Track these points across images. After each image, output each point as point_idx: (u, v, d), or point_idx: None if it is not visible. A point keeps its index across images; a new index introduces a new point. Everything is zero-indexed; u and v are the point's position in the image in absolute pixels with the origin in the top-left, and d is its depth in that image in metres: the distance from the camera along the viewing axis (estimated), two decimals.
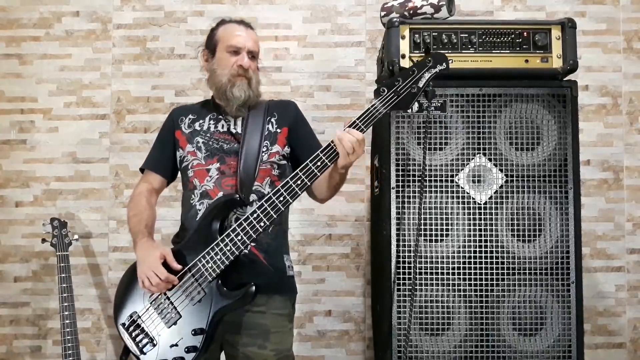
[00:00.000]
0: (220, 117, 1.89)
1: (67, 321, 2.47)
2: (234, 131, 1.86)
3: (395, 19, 1.95)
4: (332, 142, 1.62)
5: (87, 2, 2.86)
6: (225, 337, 1.79)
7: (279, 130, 1.88)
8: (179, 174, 1.95)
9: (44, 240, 2.57)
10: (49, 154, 2.82)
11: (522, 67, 1.94)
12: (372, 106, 1.63)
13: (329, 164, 1.63)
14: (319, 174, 1.64)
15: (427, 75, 1.62)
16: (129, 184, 2.80)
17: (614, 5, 2.81)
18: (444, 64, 1.63)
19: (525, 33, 1.95)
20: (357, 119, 1.63)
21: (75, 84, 2.84)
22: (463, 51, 1.95)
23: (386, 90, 1.62)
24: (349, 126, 1.62)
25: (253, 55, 1.88)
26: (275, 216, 1.65)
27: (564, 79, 1.98)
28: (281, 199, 1.64)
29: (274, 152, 1.85)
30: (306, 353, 2.73)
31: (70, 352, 2.45)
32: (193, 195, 1.82)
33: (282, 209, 1.65)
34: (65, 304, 2.48)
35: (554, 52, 1.94)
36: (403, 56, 1.94)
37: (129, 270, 1.80)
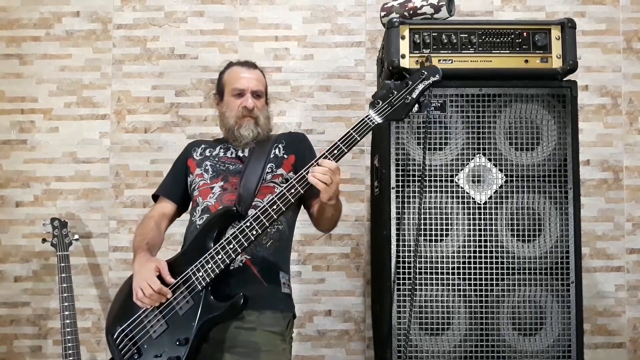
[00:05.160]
0: (230, 145, 1.96)
1: (68, 321, 2.47)
2: (241, 155, 1.93)
3: (395, 19, 1.95)
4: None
5: (87, 2, 2.86)
6: (214, 357, 1.73)
7: (285, 156, 1.93)
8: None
9: (44, 240, 2.58)
10: (50, 154, 2.82)
11: (522, 67, 1.94)
12: (366, 116, 1.67)
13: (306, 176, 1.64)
14: (302, 191, 1.65)
15: (420, 87, 1.67)
16: (129, 184, 2.80)
17: (614, 5, 2.81)
18: (436, 75, 1.68)
19: (525, 33, 1.95)
20: (349, 131, 1.65)
21: (76, 84, 2.84)
22: (463, 51, 1.95)
23: (381, 102, 1.67)
24: (328, 151, 1.64)
25: (258, 94, 1.94)
26: (268, 224, 1.66)
27: (564, 79, 1.98)
28: (274, 207, 1.65)
29: (278, 174, 1.88)
30: (306, 353, 2.73)
31: (70, 352, 2.45)
32: (195, 212, 1.86)
33: (275, 217, 1.66)
34: (66, 304, 2.48)
35: (554, 52, 1.94)
36: (403, 56, 1.94)
37: (124, 284, 1.82)
